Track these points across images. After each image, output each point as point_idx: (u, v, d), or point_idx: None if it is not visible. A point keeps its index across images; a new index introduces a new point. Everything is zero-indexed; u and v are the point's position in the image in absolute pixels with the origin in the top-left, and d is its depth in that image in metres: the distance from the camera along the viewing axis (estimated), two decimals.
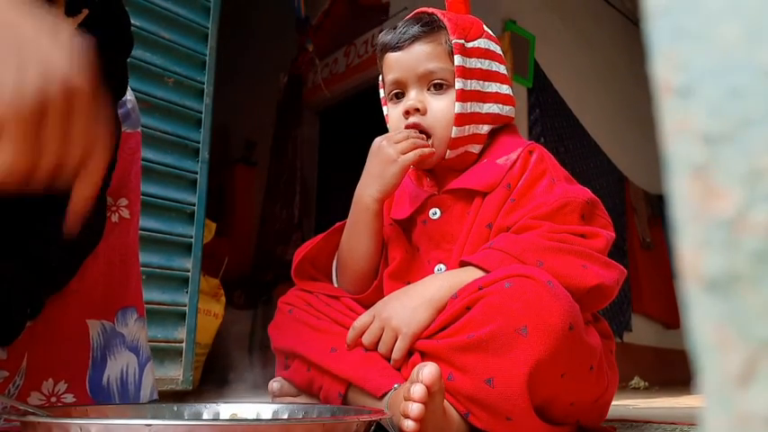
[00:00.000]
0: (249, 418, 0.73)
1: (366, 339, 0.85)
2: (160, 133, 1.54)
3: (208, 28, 1.67)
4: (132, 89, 1.50)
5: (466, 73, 0.94)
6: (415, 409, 0.66)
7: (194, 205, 1.58)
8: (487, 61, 0.97)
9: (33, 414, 0.56)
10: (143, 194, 1.50)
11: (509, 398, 0.71)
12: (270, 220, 3.63)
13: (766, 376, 0.16)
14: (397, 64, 0.97)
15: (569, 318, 0.72)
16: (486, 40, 0.99)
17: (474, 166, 0.97)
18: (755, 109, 0.17)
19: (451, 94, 0.94)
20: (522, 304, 0.72)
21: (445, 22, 0.96)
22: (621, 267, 0.86)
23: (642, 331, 3.32)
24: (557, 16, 3.18)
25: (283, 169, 3.64)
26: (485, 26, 1.02)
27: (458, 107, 0.93)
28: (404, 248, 0.97)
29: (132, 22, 1.51)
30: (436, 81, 0.94)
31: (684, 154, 0.18)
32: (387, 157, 0.92)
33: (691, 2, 0.18)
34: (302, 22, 3.55)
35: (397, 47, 0.96)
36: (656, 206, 3.63)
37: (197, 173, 1.59)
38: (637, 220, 3.48)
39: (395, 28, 0.99)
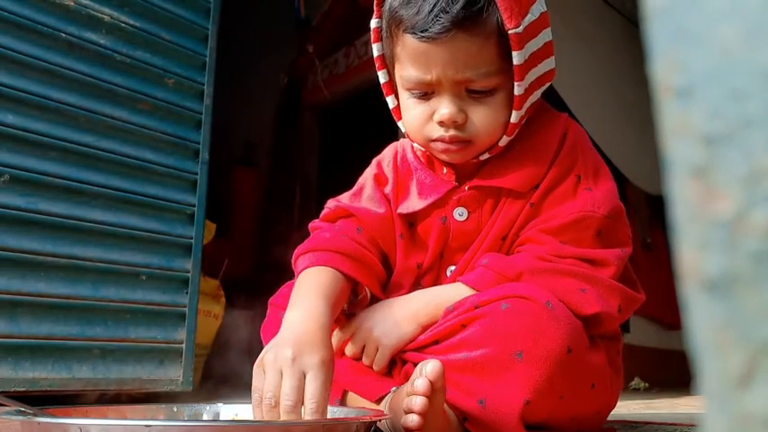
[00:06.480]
0: (250, 419, 0.73)
1: (349, 351, 0.84)
2: (160, 134, 1.54)
3: (208, 29, 1.66)
4: (132, 90, 1.50)
5: (525, 69, 0.75)
6: (418, 402, 0.64)
7: (194, 206, 1.58)
8: (542, 33, 0.77)
9: (33, 414, 0.56)
10: (143, 195, 1.51)
11: (501, 419, 0.70)
12: (270, 221, 3.63)
13: (766, 377, 0.16)
14: (426, 60, 0.74)
15: (568, 341, 0.70)
16: (538, 2, 0.76)
17: (506, 156, 0.82)
18: (755, 110, 0.17)
19: (498, 98, 0.77)
20: (519, 327, 0.69)
21: None
22: (630, 292, 0.79)
23: (642, 332, 3.32)
24: (557, 16, 3.17)
25: (283, 169, 3.64)
26: None
27: (514, 116, 0.77)
28: (414, 275, 0.87)
29: (132, 22, 1.52)
30: (478, 89, 0.76)
31: (684, 155, 0.18)
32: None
33: (691, 2, 0.18)
34: (302, 22, 3.55)
35: (427, 35, 0.71)
36: (657, 207, 3.63)
37: (197, 174, 1.59)
38: (637, 220, 3.48)
39: None
